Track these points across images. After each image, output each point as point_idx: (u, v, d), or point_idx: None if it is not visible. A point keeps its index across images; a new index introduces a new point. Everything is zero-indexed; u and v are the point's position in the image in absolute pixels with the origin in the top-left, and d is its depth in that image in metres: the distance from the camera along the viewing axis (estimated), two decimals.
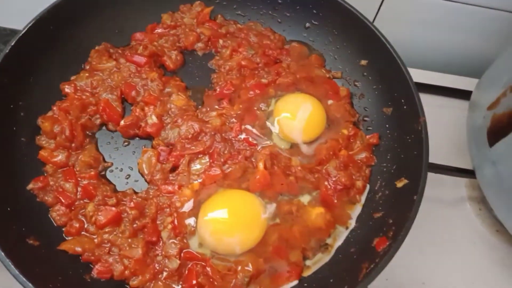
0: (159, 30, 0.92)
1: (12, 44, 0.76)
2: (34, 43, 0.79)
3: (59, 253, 0.68)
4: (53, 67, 0.83)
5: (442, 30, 1.05)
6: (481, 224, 0.90)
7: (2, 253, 0.59)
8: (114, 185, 0.77)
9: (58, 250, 0.68)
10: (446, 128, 0.98)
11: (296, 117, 0.81)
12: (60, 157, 0.76)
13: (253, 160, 0.78)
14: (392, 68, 0.79)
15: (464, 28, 1.02)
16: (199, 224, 0.71)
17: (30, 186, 0.73)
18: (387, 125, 0.82)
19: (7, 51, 0.75)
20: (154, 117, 0.81)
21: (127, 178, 0.78)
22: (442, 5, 0.96)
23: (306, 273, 0.71)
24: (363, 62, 0.87)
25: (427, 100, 1.04)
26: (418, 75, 1.01)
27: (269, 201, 0.75)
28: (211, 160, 0.78)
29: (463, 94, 1.00)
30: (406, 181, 0.73)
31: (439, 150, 0.92)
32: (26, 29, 0.78)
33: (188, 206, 0.73)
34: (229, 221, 0.71)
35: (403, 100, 0.79)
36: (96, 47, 0.88)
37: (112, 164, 0.79)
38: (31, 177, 0.74)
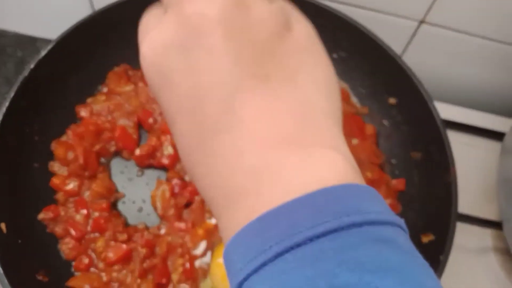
0: None
1: (32, 67, 0.73)
2: (54, 65, 0.77)
3: None
4: (70, 89, 0.81)
5: (477, 65, 0.99)
6: (506, 276, 0.86)
7: None
8: (126, 218, 0.75)
9: (67, 285, 0.67)
10: (475, 171, 0.93)
11: None
12: (72, 185, 0.74)
13: None
14: (423, 112, 0.75)
15: (503, 65, 0.97)
16: (211, 268, 0.68)
17: (41, 216, 0.71)
18: (415, 171, 0.78)
19: (26, 74, 0.73)
20: (170, 148, 0.78)
21: (139, 211, 0.76)
22: (477, 41, 0.91)
23: None
24: (392, 100, 0.82)
25: (456, 138, 0.98)
26: (449, 111, 0.96)
27: None
28: None
29: (497, 134, 0.95)
30: (432, 236, 0.69)
31: (466, 196, 0.87)
32: (46, 51, 0.75)
33: (201, 247, 0.71)
34: None
35: (433, 147, 0.74)
36: (115, 68, 0.85)
37: (124, 195, 0.77)
38: (42, 205, 0.72)
